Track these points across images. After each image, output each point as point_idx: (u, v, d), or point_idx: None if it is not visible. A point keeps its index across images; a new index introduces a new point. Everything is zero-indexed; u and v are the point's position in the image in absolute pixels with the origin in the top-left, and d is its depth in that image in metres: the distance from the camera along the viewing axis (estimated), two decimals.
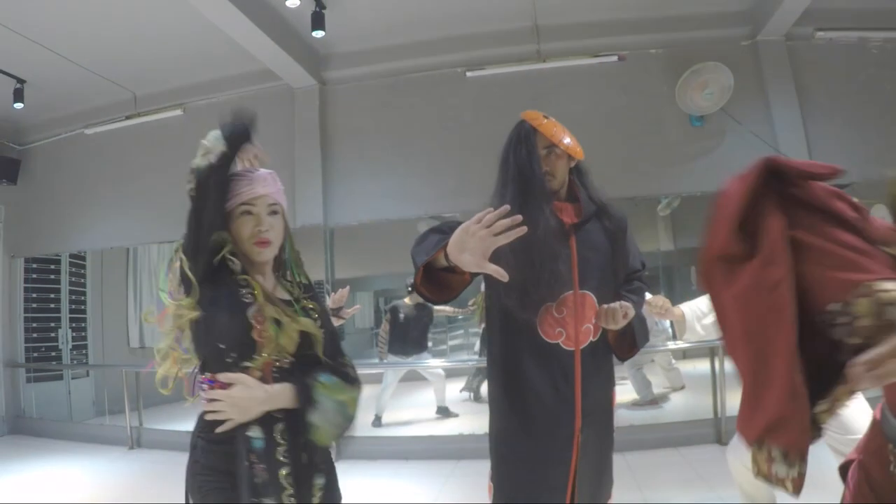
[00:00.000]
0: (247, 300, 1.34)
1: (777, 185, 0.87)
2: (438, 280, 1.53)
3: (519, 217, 1.26)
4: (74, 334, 6.45)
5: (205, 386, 1.35)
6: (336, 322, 2.22)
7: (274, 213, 1.44)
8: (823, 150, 4.70)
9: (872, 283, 0.74)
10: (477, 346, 6.37)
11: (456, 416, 5.38)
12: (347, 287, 2.30)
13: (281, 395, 1.33)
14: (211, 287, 1.34)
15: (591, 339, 1.80)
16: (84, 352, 6.51)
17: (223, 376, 1.31)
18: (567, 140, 1.81)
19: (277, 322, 1.35)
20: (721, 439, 4.27)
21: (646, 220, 5.36)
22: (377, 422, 5.24)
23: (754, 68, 4.89)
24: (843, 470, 1.16)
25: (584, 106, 4.88)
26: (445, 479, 4.03)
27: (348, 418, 1.41)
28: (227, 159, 1.34)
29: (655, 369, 5.55)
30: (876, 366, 0.69)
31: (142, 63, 5.19)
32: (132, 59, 5.13)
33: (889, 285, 0.74)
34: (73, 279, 6.50)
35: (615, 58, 4.92)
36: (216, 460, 1.33)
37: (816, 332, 0.82)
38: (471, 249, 1.29)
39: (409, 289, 5.45)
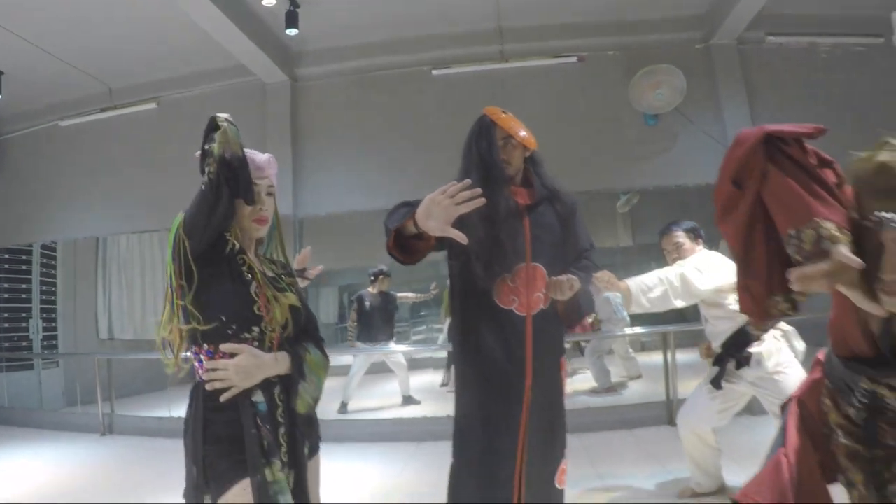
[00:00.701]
0: (248, 277, 1.48)
1: (776, 142, 1.19)
2: (407, 246, 1.80)
3: (479, 190, 1.53)
4: (45, 325, 6.60)
5: (203, 357, 1.45)
6: (302, 283, 2.46)
7: (270, 194, 1.56)
8: None
9: (820, 221, 1.06)
10: (440, 340, 6.65)
11: (418, 402, 5.65)
12: (309, 248, 2.55)
13: (282, 362, 1.48)
14: (210, 264, 1.43)
15: (541, 306, 2.07)
16: (54, 342, 6.65)
17: (226, 347, 1.42)
18: (522, 133, 2.11)
19: (274, 297, 1.50)
20: (671, 420, 4.56)
21: (604, 214, 5.67)
22: (343, 409, 5.47)
23: (707, 71, 5.24)
24: (783, 408, 1.50)
25: (545, 104, 5.19)
26: (407, 460, 4.25)
27: (320, 391, 1.57)
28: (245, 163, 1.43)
29: (614, 359, 5.86)
30: (800, 278, 1.00)
31: (118, 57, 5.40)
32: (109, 53, 5.33)
33: (829, 225, 1.05)
34: (45, 270, 6.65)
35: (574, 59, 5.25)
36: (220, 429, 1.41)
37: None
38: (435, 216, 1.55)
39: (372, 278, 5.74)
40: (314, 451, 1.60)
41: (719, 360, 2.88)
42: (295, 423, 1.49)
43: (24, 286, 6.55)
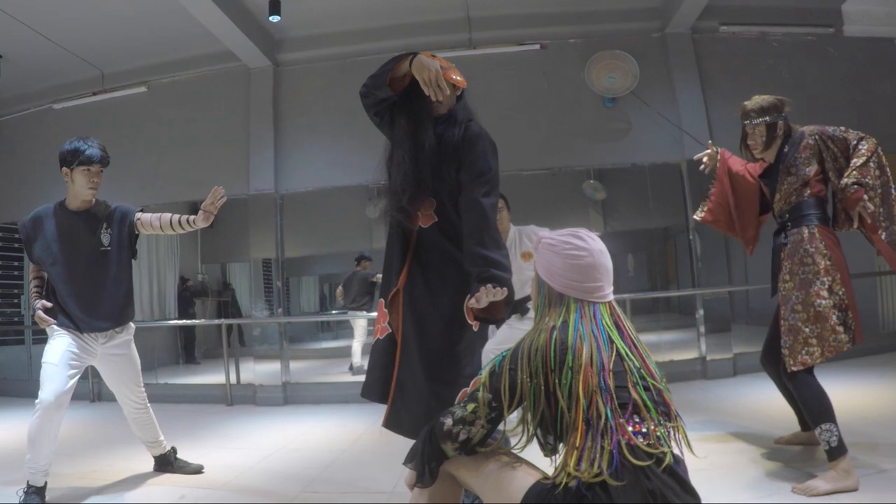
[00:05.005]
0: None
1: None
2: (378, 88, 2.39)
3: (448, 94, 2.24)
4: None
5: None
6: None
7: None
8: (723, 130, 5.83)
9: None
10: None
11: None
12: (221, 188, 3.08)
13: None
14: None
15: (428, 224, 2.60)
16: None
17: None
18: (456, 77, 2.54)
19: None
20: None
21: (568, 190, 6.43)
22: (352, 370, 6.52)
23: (663, 58, 6.08)
24: None
25: (510, 88, 6.01)
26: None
27: None
28: None
29: None
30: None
31: (110, 42, 6.23)
32: (102, 39, 6.16)
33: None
34: None
35: (538, 46, 6.11)
36: None
37: None
38: (424, 75, 2.19)
39: (357, 261, 6.94)
40: None
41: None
42: None
43: (15, 263, 7.34)
